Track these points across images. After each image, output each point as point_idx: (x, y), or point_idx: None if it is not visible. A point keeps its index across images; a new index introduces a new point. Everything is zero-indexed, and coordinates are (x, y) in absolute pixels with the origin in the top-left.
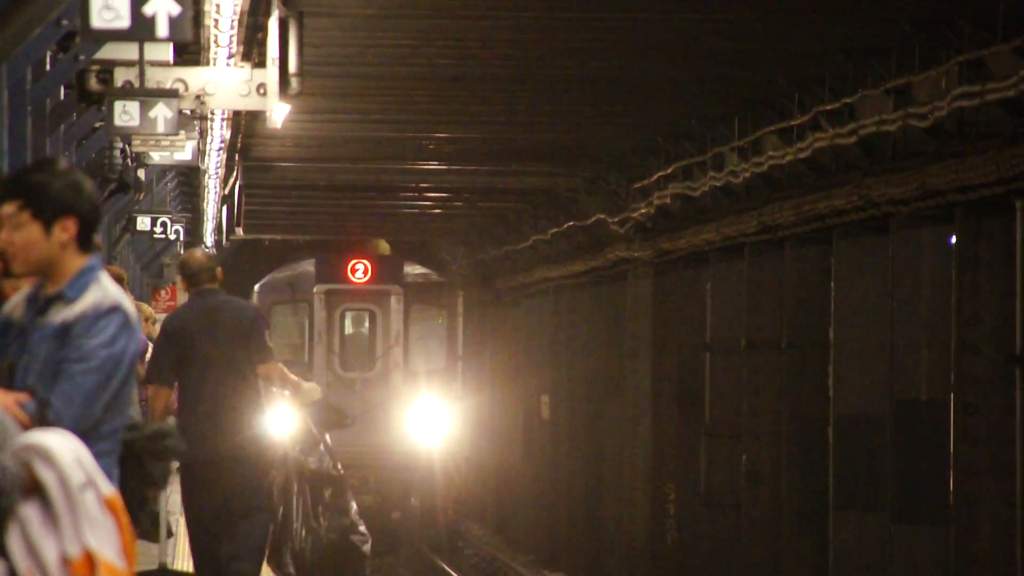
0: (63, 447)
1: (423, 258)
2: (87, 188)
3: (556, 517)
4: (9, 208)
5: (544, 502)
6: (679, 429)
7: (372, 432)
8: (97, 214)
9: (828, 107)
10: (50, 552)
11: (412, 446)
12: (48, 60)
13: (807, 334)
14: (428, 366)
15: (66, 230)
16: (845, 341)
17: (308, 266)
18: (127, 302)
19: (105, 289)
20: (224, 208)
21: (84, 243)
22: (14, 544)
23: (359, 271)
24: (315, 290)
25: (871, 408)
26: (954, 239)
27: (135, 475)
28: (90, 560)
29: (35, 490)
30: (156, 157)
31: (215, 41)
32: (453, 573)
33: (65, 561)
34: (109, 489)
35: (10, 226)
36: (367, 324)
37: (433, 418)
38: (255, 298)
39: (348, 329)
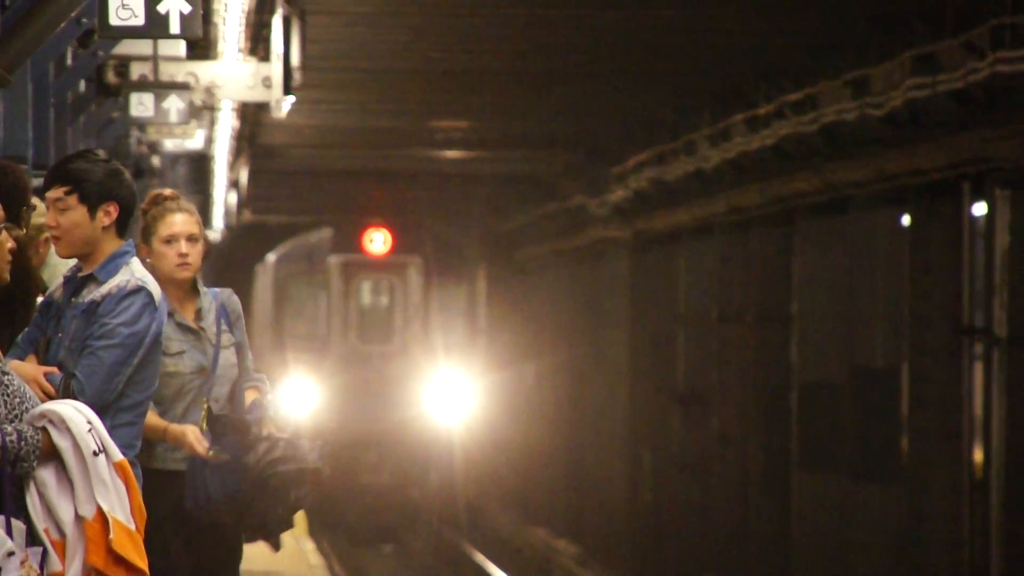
0: (78, 416)
1: (444, 227)
2: (127, 177)
3: (551, 482)
4: (56, 192)
5: (549, 472)
6: (653, 397)
7: (390, 408)
8: (134, 201)
9: (791, 97)
10: (66, 513)
11: (431, 422)
12: (69, 56)
13: (772, 308)
14: (449, 339)
15: (108, 214)
16: (806, 314)
17: (325, 235)
18: (153, 284)
19: (132, 272)
20: (232, 192)
21: (122, 228)
22: (33, 505)
23: (377, 241)
24: (331, 260)
25: (831, 376)
26: (907, 219)
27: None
28: (102, 520)
29: (52, 456)
30: (169, 145)
31: (223, 37)
32: (472, 550)
33: (79, 521)
34: (119, 455)
35: (56, 209)
36: (386, 295)
37: (453, 393)
38: (269, 269)
39: (366, 301)
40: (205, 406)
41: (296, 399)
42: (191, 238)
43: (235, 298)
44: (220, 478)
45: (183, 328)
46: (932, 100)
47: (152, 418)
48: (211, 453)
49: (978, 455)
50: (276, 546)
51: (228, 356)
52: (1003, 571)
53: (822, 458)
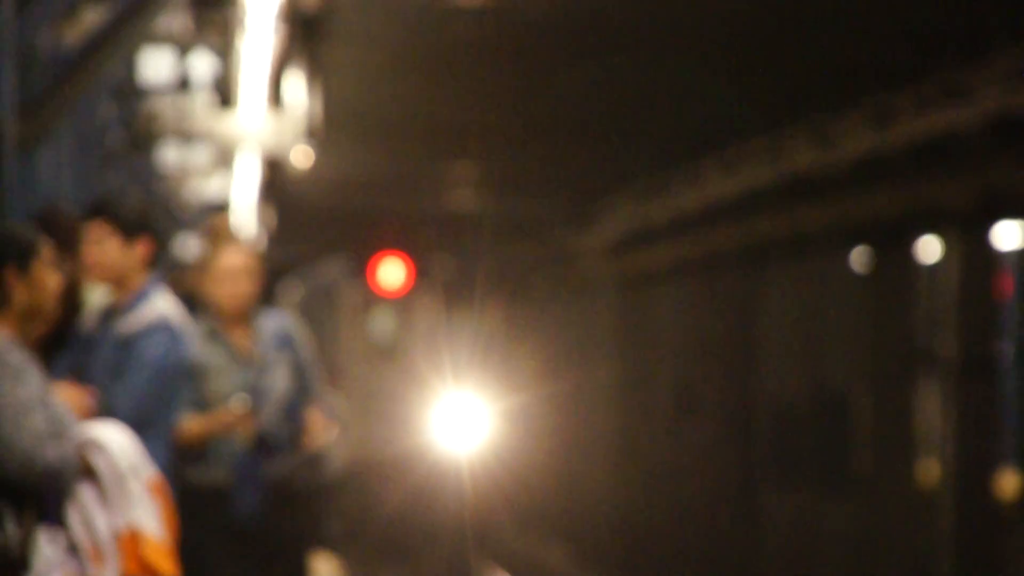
0: (112, 438)
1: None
2: (157, 215)
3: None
4: (96, 224)
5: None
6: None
7: (401, 429)
8: (164, 237)
9: (763, 143)
10: (102, 526)
11: (443, 445)
12: (104, 109)
13: (745, 335)
14: (461, 359)
15: (142, 247)
16: (775, 340)
17: (341, 263)
18: (177, 316)
19: (158, 306)
20: (260, 234)
21: (152, 261)
22: (73, 519)
23: (392, 266)
24: (346, 286)
25: (796, 397)
26: (865, 254)
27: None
28: (135, 534)
29: (89, 473)
30: (197, 192)
31: (249, 91)
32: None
33: (114, 534)
34: (151, 473)
35: (95, 241)
36: (403, 321)
37: (467, 415)
38: (294, 295)
39: (382, 327)
40: (252, 426)
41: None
42: (247, 273)
43: (293, 320)
44: (255, 495)
45: (228, 349)
46: (890, 147)
47: (192, 425)
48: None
49: (928, 473)
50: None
51: (279, 376)
52: None
53: (785, 475)
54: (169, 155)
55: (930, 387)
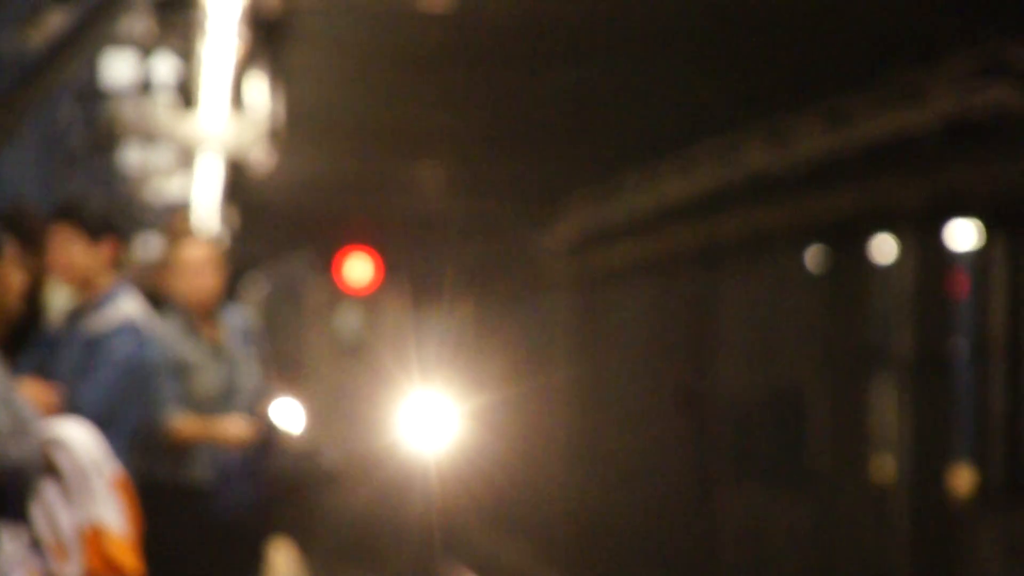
0: (76, 435)
1: (432, 245)
2: (122, 216)
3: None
4: (61, 226)
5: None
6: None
7: (366, 430)
8: (128, 239)
9: (718, 145)
10: (65, 522)
11: (410, 446)
12: (67, 109)
13: (700, 334)
14: (430, 357)
15: (108, 248)
16: (730, 339)
17: (306, 258)
18: (144, 316)
19: (125, 306)
20: (222, 234)
21: (118, 262)
22: (36, 515)
23: (359, 262)
24: (312, 282)
25: (752, 397)
26: (820, 254)
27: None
28: (99, 532)
29: (53, 471)
30: (159, 194)
31: (210, 94)
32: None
33: (78, 530)
34: (114, 469)
35: (61, 242)
36: (370, 319)
37: (436, 415)
38: (256, 292)
39: (348, 324)
40: (249, 441)
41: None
42: (212, 267)
43: (249, 313)
44: (243, 491)
45: (206, 345)
46: (844, 149)
47: (194, 425)
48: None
49: (884, 467)
50: (306, 550)
51: (250, 370)
52: None
53: (740, 470)
54: (131, 156)
55: (885, 384)
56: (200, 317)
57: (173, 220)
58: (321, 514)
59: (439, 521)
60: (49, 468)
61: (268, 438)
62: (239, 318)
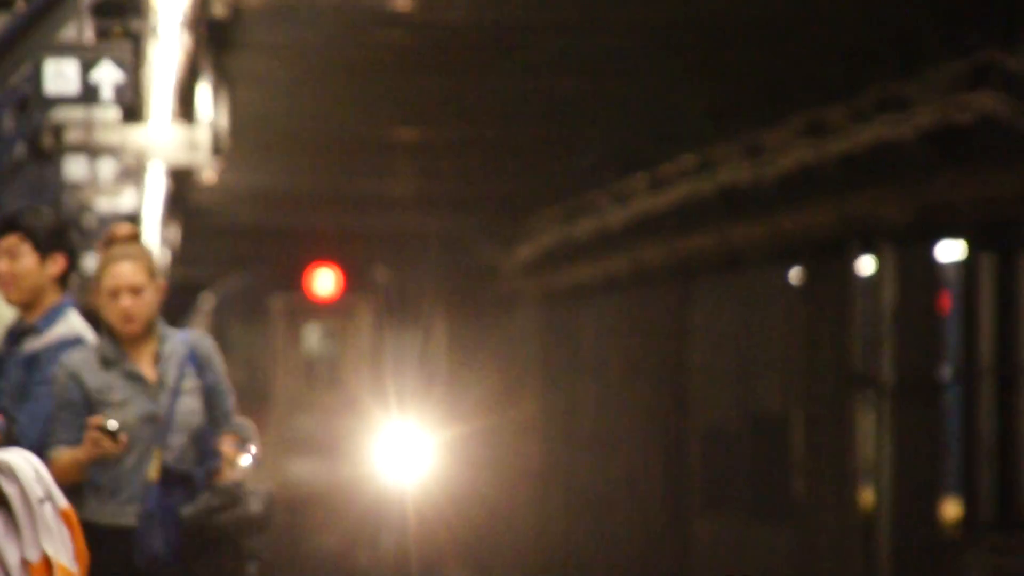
0: (25, 465)
1: (398, 261)
2: (71, 233)
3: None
4: (11, 240)
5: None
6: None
7: (340, 464)
8: (76, 256)
9: (690, 160)
10: (12, 556)
11: (385, 480)
12: (6, 121)
13: (672, 358)
14: (404, 386)
15: (56, 264)
16: (705, 364)
17: (267, 274)
18: (90, 335)
19: (71, 324)
20: (165, 250)
21: (64, 280)
22: None
23: (324, 279)
24: (273, 302)
25: (728, 422)
26: (799, 274)
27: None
28: (47, 564)
29: (0, 502)
30: (103, 206)
31: (154, 103)
32: None
33: (25, 565)
34: (64, 503)
35: (9, 256)
36: (334, 339)
37: (410, 447)
38: (207, 311)
39: (311, 345)
40: (157, 456)
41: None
42: (135, 290)
43: (206, 341)
44: (165, 534)
45: (131, 376)
46: (821, 162)
47: (63, 456)
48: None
49: (867, 497)
50: None
51: (188, 403)
52: None
53: (721, 498)
54: (74, 168)
55: (868, 408)
56: (130, 343)
57: (110, 233)
58: (242, 561)
59: (415, 566)
60: None
61: (188, 478)
62: (182, 343)
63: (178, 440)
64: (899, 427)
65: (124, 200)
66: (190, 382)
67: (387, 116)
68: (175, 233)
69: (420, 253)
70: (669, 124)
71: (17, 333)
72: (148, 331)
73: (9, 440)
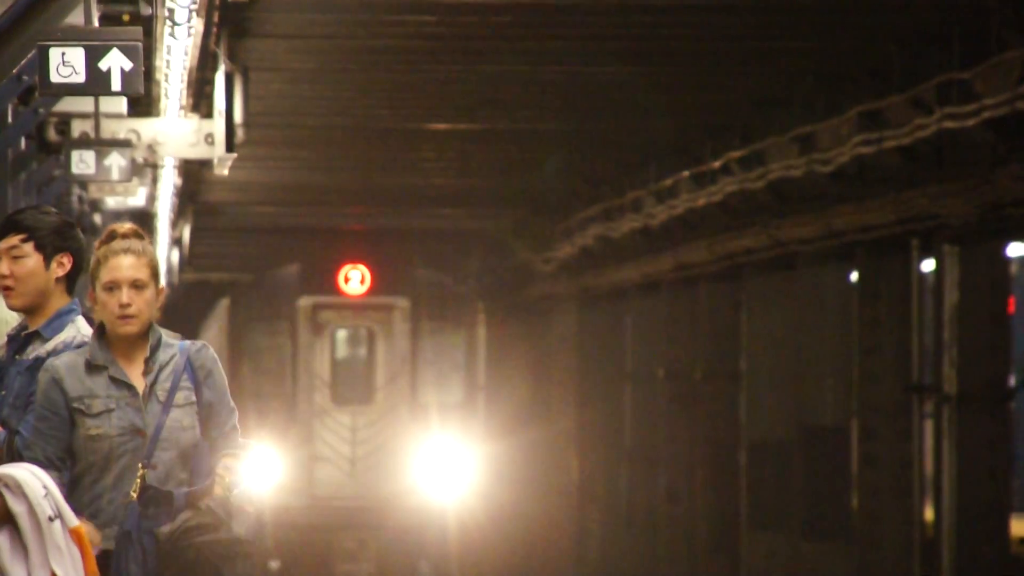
0: (33, 481)
1: (438, 261)
2: (79, 232)
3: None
4: (11, 240)
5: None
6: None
7: (372, 483)
8: (84, 256)
9: (738, 154)
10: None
11: (422, 500)
12: (9, 113)
13: (720, 365)
14: (443, 398)
15: (62, 266)
16: (755, 371)
17: (291, 273)
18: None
19: (78, 329)
20: (175, 250)
21: (71, 284)
22: None
23: (353, 280)
24: (299, 303)
25: (780, 433)
26: (856, 275)
27: None
28: None
29: (6, 520)
30: (111, 202)
31: (165, 94)
32: None
33: None
34: (75, 521)
35: (10, 258)
36: (364, 345)
37: (449, 464)
38: (223, 314)
39: (341, 352)
40: (140, 472)
41: (256, 472)
42: (136, 284)
43: (207, 352)
44: (142, 556)
45: (117, 384)
46: (879, 156)
47: None
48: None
49: (929, 514)
50: None
51: (179, 417)
52: None
53: (772, 516)
54: (81, 163)
55: (929, 419)
56: (120, 350)
57: (109, 231)
58: None
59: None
60: (3, 517)
61: (171, 498)
62: (178, 354)
63: (165, 458)
64: (963, 438)
65: (134, 197)
66: (184, 395)
67: (415, 107)
68: (186, 232)
69: (458, 252)
70: (716, 115)
71: (21, 339)
72: (144, 336)
73: (10, 452)
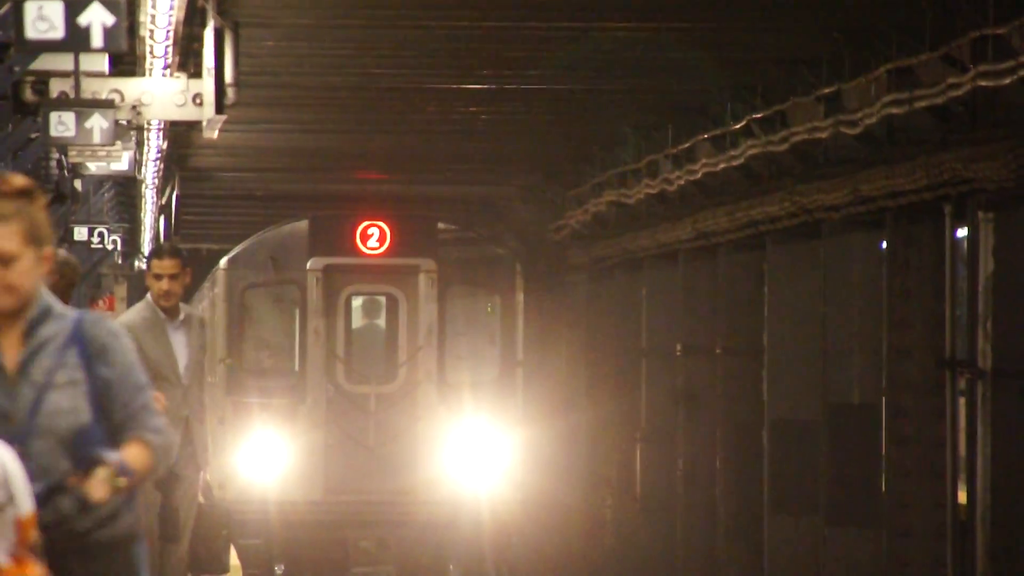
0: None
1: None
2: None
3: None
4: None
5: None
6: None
7: (393, 472)
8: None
9: (760, 115)
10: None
11: (450, 492)
12: None
13: (741, 339)
14: (475, 376)
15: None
16: (778, 346)
17: (300, 231)
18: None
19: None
20: (162, 218)
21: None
22: None
23: (372, 238)
24: (308, 266)
25: (804, 412)
26: (885, 244)
27: None
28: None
29: None
30: (92, 168)
31: (151, 52)
32: None
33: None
34: (27, 509)
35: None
36: (384, 315)
37: (482, 450)
38: (220, 278)
39: (357, 322)
40: None
41: (260, 462)
42: (3, 259)
43: (104, 325)
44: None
45: None
46: (910, 117)
47: None
48: None
49: (962, 496)
50: None
51: (58, 400)
52: None
53: (795, 500)
54: (60, 125)
55: (962, 397)
56: (2, 325)
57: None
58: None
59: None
60: None
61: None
62: (65, 329)
63: (42, 446)
64: (998, 417)
65: (118, 161)
66: (66, 375)
67: (417, 65)
68: (173, 199)
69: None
70: (737, 74)
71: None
72: (23, 310)
73: None
